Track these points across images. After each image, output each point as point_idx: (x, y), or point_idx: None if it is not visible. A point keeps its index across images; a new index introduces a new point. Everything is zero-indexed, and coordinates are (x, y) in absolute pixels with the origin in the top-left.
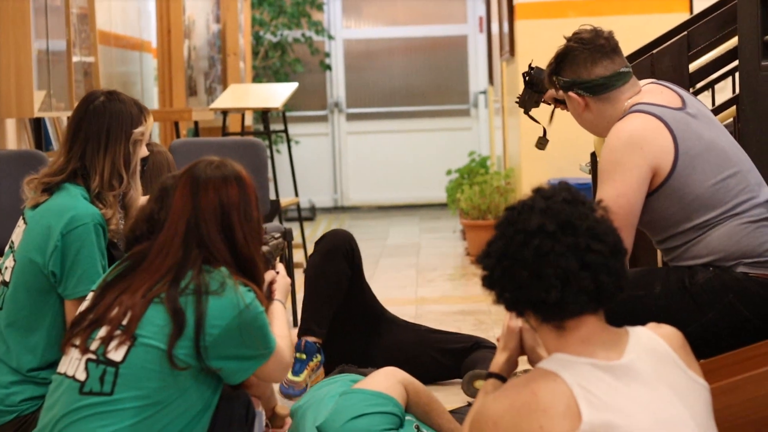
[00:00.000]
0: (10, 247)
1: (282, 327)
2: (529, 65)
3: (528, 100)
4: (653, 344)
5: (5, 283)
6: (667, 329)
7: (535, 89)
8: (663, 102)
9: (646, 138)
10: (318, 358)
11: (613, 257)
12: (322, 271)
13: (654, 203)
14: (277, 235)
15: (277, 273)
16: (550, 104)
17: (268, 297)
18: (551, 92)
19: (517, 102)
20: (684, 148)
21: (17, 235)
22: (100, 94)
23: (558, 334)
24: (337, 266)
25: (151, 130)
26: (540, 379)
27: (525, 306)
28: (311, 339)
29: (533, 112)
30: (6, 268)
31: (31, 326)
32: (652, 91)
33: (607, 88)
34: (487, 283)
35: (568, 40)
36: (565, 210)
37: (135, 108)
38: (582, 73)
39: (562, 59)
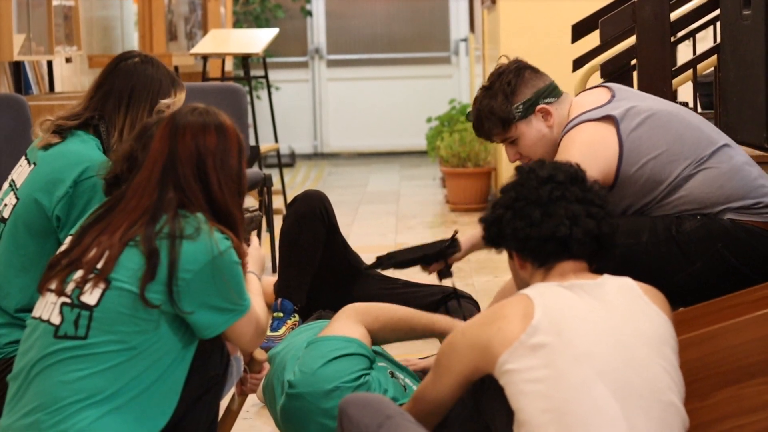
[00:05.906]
0: (11, 186)
1: (257, 297)
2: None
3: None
4: (622, 282)
5: (3, 220)
6: (646, 285)
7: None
8: (592, 105)
9: (597, 151)
10: (295, 317)
11: (610, 217)
12: (297, 238)
13: (625, 187)
14: (253, 208)
15: (249, 246)
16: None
17: None
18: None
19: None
20: (625, 128)
21: (19, 174)
22: (135, 55)
23: (544, 277)
24: (312, 231)
25: (180, 105)
26: (510, 299)
27: (533, 244)
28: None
29: None
30: (5, 205)
31: (25, 266)
32: (579, 103)
33: (558, 89)
34: (495, 229)
35: (497, 76)
36: (570, 169)
37: (167, 78)
38: (538, 83)
39: (513, 87)
